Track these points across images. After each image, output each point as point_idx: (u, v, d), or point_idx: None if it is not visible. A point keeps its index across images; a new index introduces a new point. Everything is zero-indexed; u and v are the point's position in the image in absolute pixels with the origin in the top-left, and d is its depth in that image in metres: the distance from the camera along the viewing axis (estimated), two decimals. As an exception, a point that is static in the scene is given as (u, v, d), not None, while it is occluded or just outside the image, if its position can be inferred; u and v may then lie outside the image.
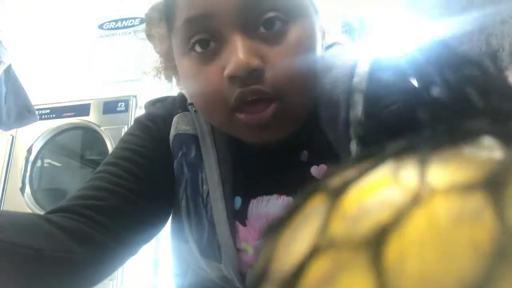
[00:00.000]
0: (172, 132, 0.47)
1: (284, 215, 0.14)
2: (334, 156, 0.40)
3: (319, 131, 0.41)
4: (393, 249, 0.10)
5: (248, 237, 0.42)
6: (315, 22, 0.40)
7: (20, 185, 1.75)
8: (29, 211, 1.62)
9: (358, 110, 0.39)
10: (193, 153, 0.45)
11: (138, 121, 0.49)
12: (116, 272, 1.47)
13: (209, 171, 0.44)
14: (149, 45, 0.48)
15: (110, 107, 1.76)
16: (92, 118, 1.77)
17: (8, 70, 1.38)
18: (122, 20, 2.05)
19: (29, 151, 1.79)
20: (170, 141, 0.46)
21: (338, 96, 0.40)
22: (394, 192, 0.11)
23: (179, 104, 0.49)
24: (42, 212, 0.43)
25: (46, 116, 1.82)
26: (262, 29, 0.36)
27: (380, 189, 0.12)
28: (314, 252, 0.12)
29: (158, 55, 0.48)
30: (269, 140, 0.40)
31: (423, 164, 0.12)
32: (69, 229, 0.37)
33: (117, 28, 2.06)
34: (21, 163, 1.79)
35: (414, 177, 0.11)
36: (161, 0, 0.44)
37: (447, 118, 0.14)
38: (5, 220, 0.33)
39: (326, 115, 0.41)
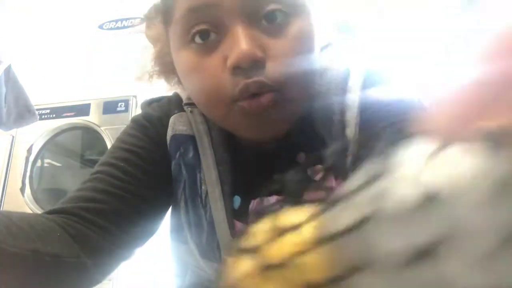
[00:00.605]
0: (169, 133, 0.46)
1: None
2: (330, 158, 0.40)
3: (315, 133, 0.41)
4: None
5: None
6: (315, 19, 0.40)
7: (20, 185, 1.75)
8: (29, 211, 1.62)
9: (353, 112, 0.39)
10: (190, 154, 0.45)
11: (135, 121, 0.49)
12: (116, 272, 1.47)
13: (207, 171, 0.44)
14: (149, 45, 0.48)
15: (110, 107, 1.76)
16: (92, 118, 1.77)
17: (8, 70, 1.38)
18: (122, 20, 2.05)
19: (29, 151, 1.79)
20: (168, 142, 0.46)
21: (333, 98, 0.40)
22: None
23: (175, 104, 0.49)
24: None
25: (46, 116, 1.83)
26: (264, 21, 0.36)
27: None
28: None
29: (148, 58, 0.47)
30: (266, 135, 0.40)
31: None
32: (74, 233, 0.37)
33: (117, 28, 2.06)
34: (21, 163, 1.79)
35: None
36: None
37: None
38: (23, 224, 0.33)
39: (321, 117, 0.41)
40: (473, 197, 0.12)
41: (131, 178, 0.43)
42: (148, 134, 0.47)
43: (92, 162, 1.85)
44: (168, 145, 0.46)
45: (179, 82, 0.46)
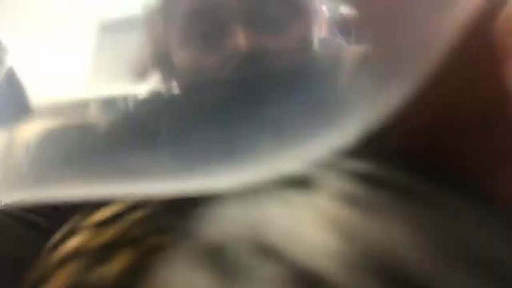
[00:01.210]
0: None
1: None
2: None
3: None
4: None
5: None
6: (315, 18, 0.40)
7: (19, 183, 1.75)
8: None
9: None
10: None
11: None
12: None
13: None
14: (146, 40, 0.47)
15: (110, 106, 1.76)
16: (91, 116, 1.77)
17: (9, 69, 1.38)
18: (123, 19, 2.04)
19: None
20: None
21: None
22: None
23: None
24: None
25: (44, 115, 1.82)
26: (266, 26, 0.37)
27: None
28: None
29: (144, 51, 0.47)
30: None
31: None
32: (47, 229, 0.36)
33: (119, 28, 2.05)
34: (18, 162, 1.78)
35: None
36: None
37: None
38: None
39: None
40: None
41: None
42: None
43: (91, 161, 1.85)
44: None
45: (177, 76, 0.46)
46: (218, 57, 0.37)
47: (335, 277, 0.11)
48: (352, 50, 0.42)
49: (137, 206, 0.20)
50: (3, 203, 0.37)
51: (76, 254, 0.18)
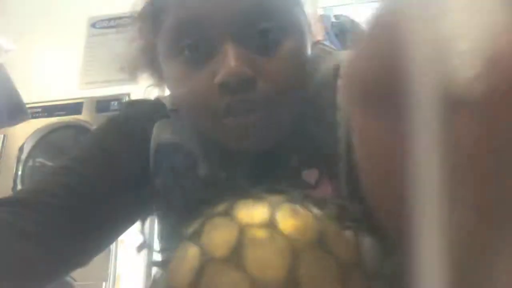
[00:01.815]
0: (155, 141, 0.44)
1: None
2: (324, 160, 0.39)
3: (308, 135, 0.41)
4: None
5: None
6: (307, 34, 0.40)
7: (11, 184, 1.73)
8: (20, 210, 1.60)
9: (344, 112, 0.38)
10: (179, 162, 0.44)
11: (113, 121, 0.47)
12: (108, 273, 1.46)
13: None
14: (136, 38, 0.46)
15: (103, 106, 1.75)
16: (84, 117, 1.76)
17: (-1, 68, 1.36)
18: (115, 19, 2.03)
19: (21, 150, 1.77)
20: (152, 151, 0.44)
21: (325, 98, 0.40)
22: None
23: (159, 111, 0.47)
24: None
25: (38, 115, 1.81)
26: (255, 39, 0.36)
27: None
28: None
29: (134, 51, 0.46)
30: (254, 149, 0.39)
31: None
32: (28, 231, 0.35)
33: (110, 27, 2.04)
34: (12, 162, 1.77)
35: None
36: None
37: None
38: None
39: (313, 118, 0.40)
40: None
41: (99, 179, 0.41)
42: (125, 138, 0.45)
43: (85, 162, 1.83)
44: (152, 154, 0.44)
45: (163, 78, 0.45)
46: (206, 74, 0.35)
47: None
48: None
49: None
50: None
51: None
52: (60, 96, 1.84)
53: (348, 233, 0.20)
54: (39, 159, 1.89)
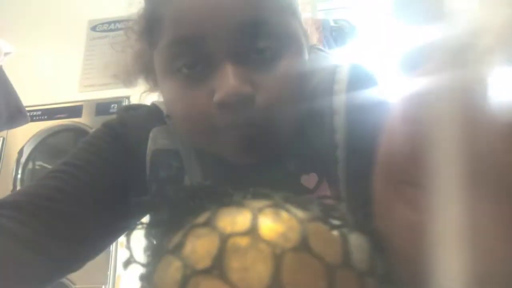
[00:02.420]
0: (151, 147, 0.44)
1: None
2: (322, 164, 0.39)
3: (306, 140, 0.41)
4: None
5: None
6: (305, 47, 0.40)
7: (11, 187, 1.73)
8: (19, 213, 1.59)
9: (341, 116, 0.38)
10: (174, 168, 0.43)
11: (109, 126, 0.46)
12: (108, 276, 1.46)
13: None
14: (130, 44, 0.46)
15: (102, 109, 1.75)
16: (84, 119, 1.76)
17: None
18: (115, 22, 2.04)
19: (20, 153, 1.77)
20: (148, 157, 0.43)
21: (322, 102, 0.40)
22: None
23: (155, 116, 0.46)
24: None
25: (37, 118, 1.81)
26: (254, 57, 0.36)
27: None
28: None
29: (128, 57, 0.46)
30: (252, 161, 0.39)
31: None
32: (21, 235, 0.35)
33: (110, 30, 2.05)
34: (12, 165, 1.76)
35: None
36: (144, 8, 0.42)
37: None
38: None
39: (311, 123, 0.40)
40: None
41: (94, 184, 0.41)
42: (122, 143, 0.45)
43: (84, 164, 1.83)
44: (148, 160, 0.43)
45: (157, 85, 0.44)
46: (204, 92, 0.35)
47: None
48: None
49: None
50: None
51: None
52: (60, 99, 1.84)
53: (335, 234, 0.20)
54: (39, 162, 1.89)
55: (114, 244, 1.24)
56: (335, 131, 0.38)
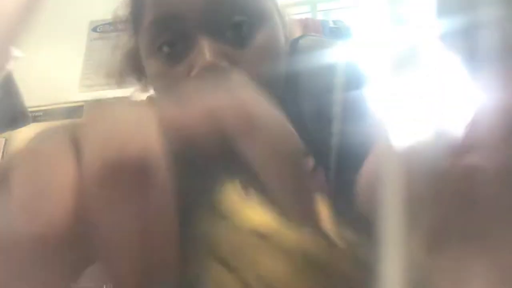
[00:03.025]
0: None
1: None
2: (318, 147, 0.40)
3: (302, 128, 0.41)
4: None
5: None
6: (280, 26, 0.41)
7: (12, 187, 1.74)
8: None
9: (337, 107, 0.38)
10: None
11: None
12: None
13: None
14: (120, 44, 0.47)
15: (103, 110, 1.76)
16: (85, 120, 1.76)
17: (7, 75, 1.37)
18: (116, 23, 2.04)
19: (22, 153, 1.78)
20: None
21: (320, 92, 0.40)
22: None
23: None
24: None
25: (39, 119, 1.81)
26: (229, 32, 0.37)
27: None
28: None
29: (119, 57, 0.47)
30: None
31: None
32: None
33: (111, 31, 2.05)
34: (13, 165, 1.77)
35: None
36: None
37: None
38: None
39: (308, 112, 0.41)
40: None
41: None
42: None
43: (86, 165, 1.83)
44: None
45: (148, 82, 0.46)
46: (183, 69, 0.37)
47: None
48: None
49: None
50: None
51: None
52: (61, 99, 1.85)
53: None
54: (40, 163, 1.89)
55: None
56: (331, 122, 0.38)
